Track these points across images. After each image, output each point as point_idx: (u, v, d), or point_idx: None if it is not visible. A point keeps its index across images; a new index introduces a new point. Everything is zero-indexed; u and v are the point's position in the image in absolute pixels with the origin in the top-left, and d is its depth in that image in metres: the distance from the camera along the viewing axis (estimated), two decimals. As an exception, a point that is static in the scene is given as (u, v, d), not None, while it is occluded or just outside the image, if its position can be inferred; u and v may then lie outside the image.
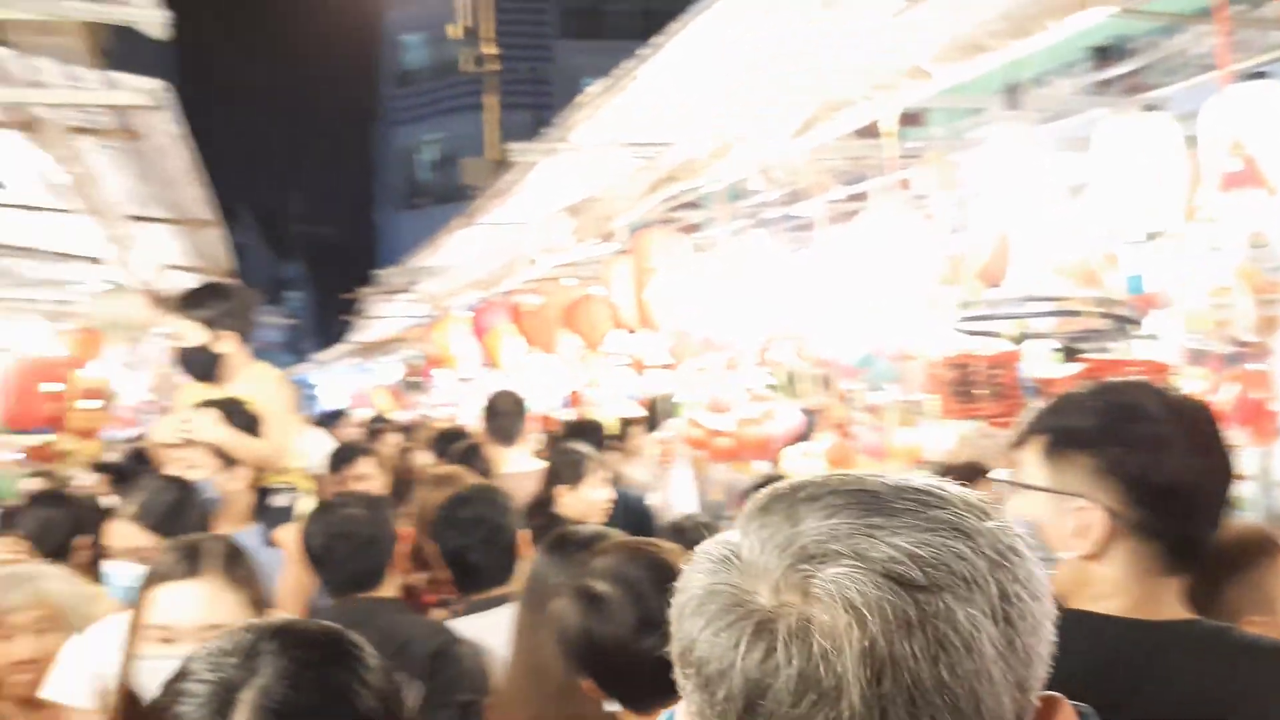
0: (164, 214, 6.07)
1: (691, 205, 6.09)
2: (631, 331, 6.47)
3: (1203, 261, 3.32)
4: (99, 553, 2.90)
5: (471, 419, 7.91)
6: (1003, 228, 3.97)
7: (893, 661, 0.66)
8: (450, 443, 6.11)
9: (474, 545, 2.92)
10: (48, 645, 2.62)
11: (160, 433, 3.45)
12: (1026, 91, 4.24)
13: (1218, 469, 1.48)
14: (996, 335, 3.90)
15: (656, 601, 1.66)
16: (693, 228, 6.49)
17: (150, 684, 1.83)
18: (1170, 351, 3.52)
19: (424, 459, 6.24)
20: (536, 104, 30.02)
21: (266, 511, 3.49)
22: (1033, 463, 1.49)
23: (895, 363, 4.93)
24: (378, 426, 8.97)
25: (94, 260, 6.66)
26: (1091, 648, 1.36)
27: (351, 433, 9.10)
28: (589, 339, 7.17)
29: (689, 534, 3.01)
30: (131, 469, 5.50)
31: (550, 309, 7.61)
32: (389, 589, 2.87)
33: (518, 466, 4.96)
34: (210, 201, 5.86)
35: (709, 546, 0.76)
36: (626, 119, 4.58)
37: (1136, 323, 3.72)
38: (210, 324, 3.61)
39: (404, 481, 5.69)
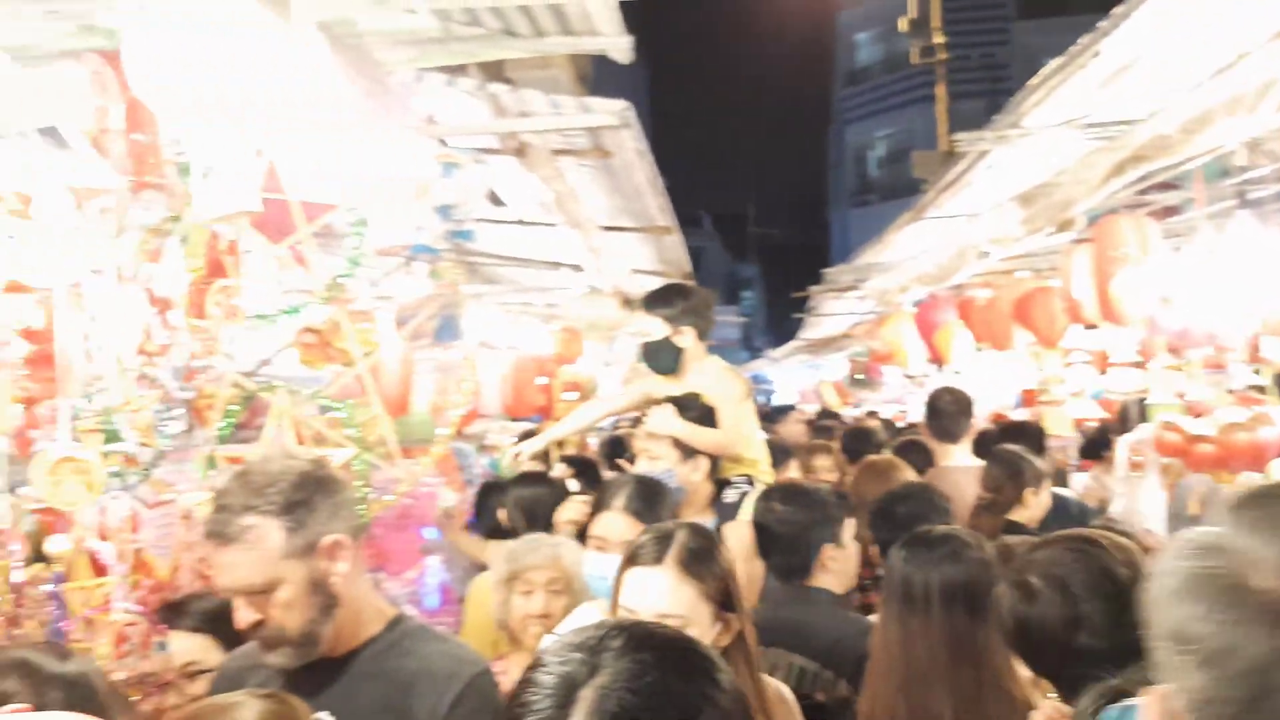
0: (631, 223, 6.64)
1: (1164, 187, 5.53)
2: (1093, 326, 6.01)
3: None
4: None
5: (919, 415, 7.78)
6: None
7: None
8: (861, 443, 6.13)
9: None
10: (559, 605, 3.01)
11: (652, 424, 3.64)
12: None
13: None
14: None
15: (1086, 595, 1.85)
16: (1166, 211, 5.89)
17: None
18: None
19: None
20: (992, 90, 28.75)
21: (721, 507, 3.65)
22: None
23: None
24: (824, 422, 9.11)
25: (576, 268, 7.45)
26: None
27: (796, 429, 9.32)
28: (1044, 334, 6.77)
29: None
30: (582, 462, 6.03)
31: (1002, 303, 7.29)
32: (823, 580, 2.94)
33: (958, 462, 4.83)
34: (669, 209, 6.31)
35: (1190, 536, 0.85)
36: (1085, 98, 4.27)
37: None
38: (672, 320, 3.82)
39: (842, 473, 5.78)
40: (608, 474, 5.12)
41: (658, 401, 3.71)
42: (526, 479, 4.50)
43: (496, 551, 3.87)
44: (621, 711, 0.99)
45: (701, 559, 2.11)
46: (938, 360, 8.63)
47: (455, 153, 4.29)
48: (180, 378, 2.77)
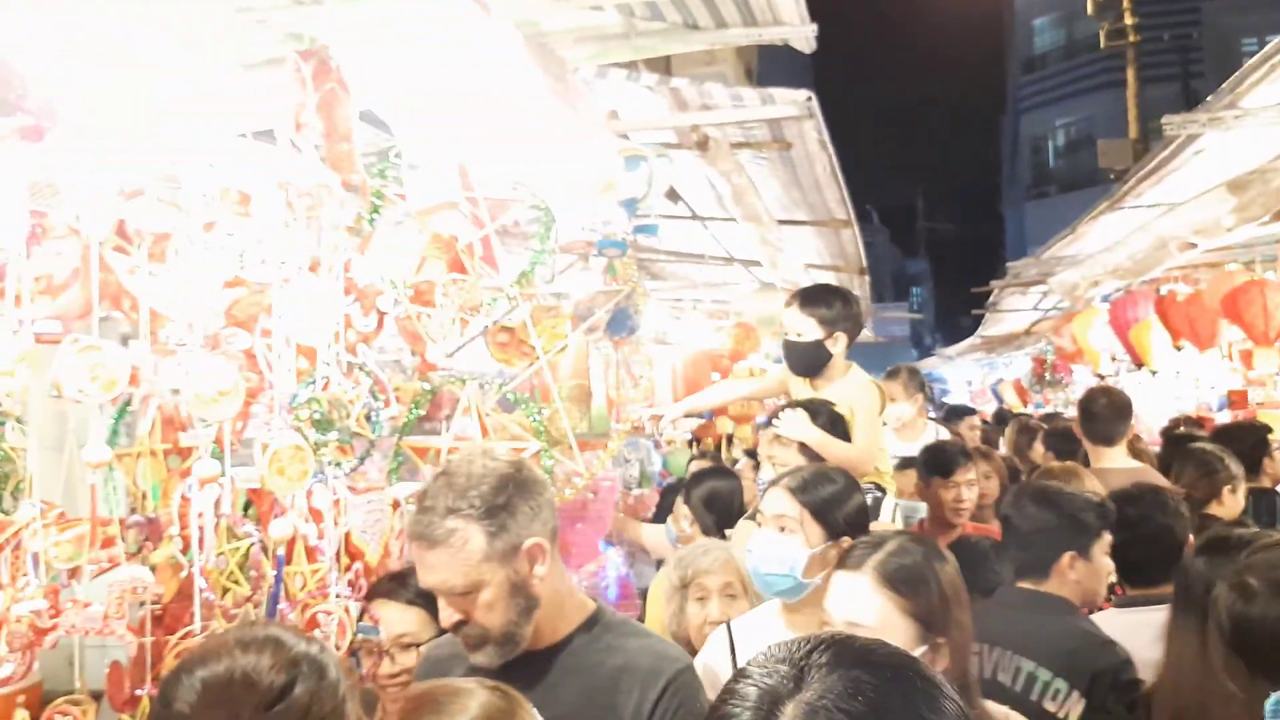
0: (807, 217, 6.53)
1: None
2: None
3: None
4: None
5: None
6: None
7: None
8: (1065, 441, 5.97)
9: (1134, 542, 2.99)
10: (736, 611, 2.88)
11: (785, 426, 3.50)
12: None
13: None
14: None
15: None
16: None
17: None
18: None
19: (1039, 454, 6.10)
20: (1184, 74, 27.13)
21: None
22: None
23: None
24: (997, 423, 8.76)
25: (750, 263, 7.39)
26: None
27: (972, 435, 8.98)
28: (1256, 331, 6.30)
29: None
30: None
31: (1207, 298, 6.82)
32: (1061, 588, 2.82)
33: (1114, 464, 4.67)
34: (848, 202, 6.17)
35: None
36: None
37: None
38: (828, 324, 3.66)
39: (1017, 475, 5.59)
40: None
41: (792, 404, 3.57)
42: (706, 475, 4.47)
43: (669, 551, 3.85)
44: None
45: (908, 571, 1.98)
46: (1132, 359, 8.16)
47: (640, 146, 4.29)
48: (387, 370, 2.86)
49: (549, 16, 3.55)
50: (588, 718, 1.91)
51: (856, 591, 1.98)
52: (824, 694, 0.95)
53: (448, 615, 1.88)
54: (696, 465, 5.85)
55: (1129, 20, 18.44)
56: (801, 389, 3.75)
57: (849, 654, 1.00)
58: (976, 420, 10.38)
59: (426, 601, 2.28)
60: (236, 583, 2.15)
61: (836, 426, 3.46)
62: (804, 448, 3.40)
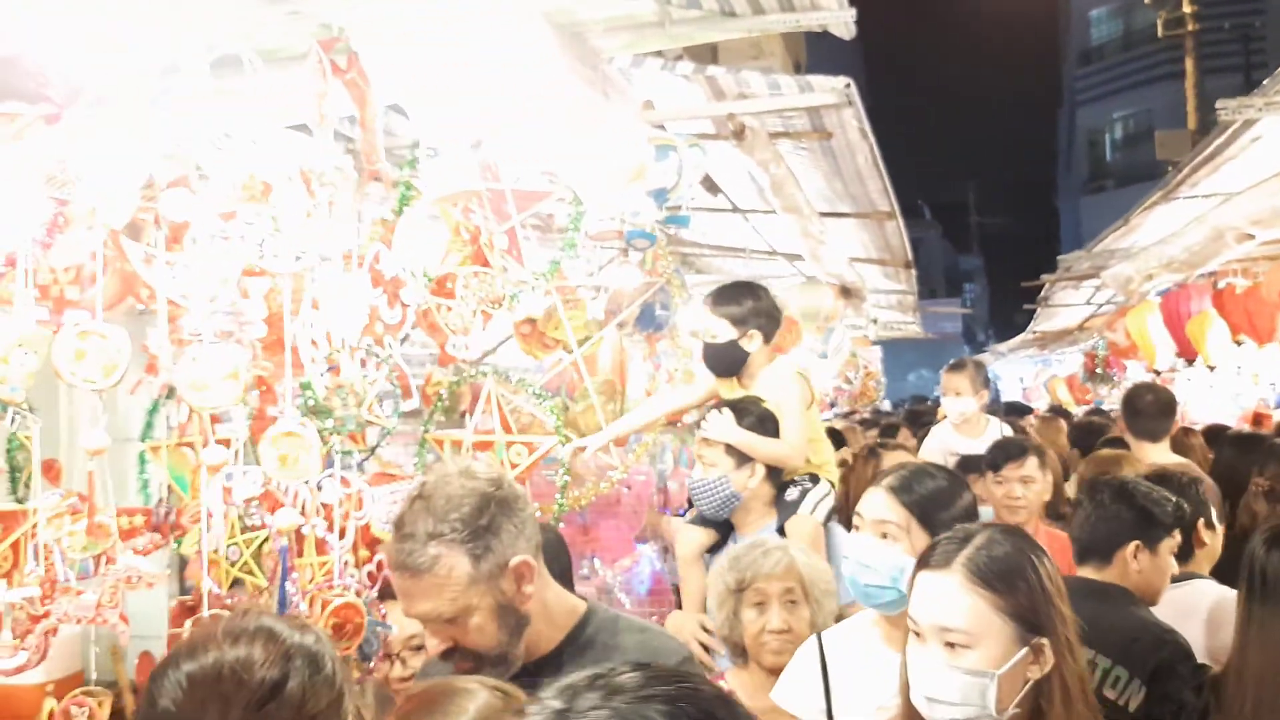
0: (849, 209, 6.42)
1: None
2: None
3: None
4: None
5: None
6: None
7: None
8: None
9: None
10: (799, 619, 2.74)
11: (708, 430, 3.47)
12: None
13: None
14: None
15: None
16: None
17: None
18: None
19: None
20: (1246, 64, 26.45)
21: (781, 505, 3.48)
22: None
23: None
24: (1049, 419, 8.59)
25: (793, 256, 7.29)
26: None
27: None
28: (1318, 325, 6.09)
29: None
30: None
31: (1266, 291, 6.61)
32: (1124, 578, 2.80)
33: (1158, 460, 4.63)
34: (891, 194, 6.06)
35: None
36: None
37: None
38: (739, 322, 3.60)
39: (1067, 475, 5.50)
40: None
41: (719, 405, 3.52)
42: None
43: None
44: None
45: (1003, 566, 1.79)
46: (1188, 354, 7.95)
47: (669, 135, 4.22)
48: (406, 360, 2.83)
49: (583, 5, 3.50)
50: None
51: (945, 592, 1.79)
52: None
53: (435, 644, 1.82)
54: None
55: (1187, 8, 17.99)
56: (730, 390, 3.69)
57: (617, 686, 0.91)
58: (1033, 418, 10.20)
59: None
60: (251, 573, 2.13)
61: (766, 424, 3.43)
62: (730, 448, 3.38)
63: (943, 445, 5.09)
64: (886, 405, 17.67)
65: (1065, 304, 12.09)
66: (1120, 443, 5.40)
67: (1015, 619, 1.75)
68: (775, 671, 2.63)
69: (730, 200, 5.89)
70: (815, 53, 17.05)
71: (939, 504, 2.38)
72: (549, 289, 3.77)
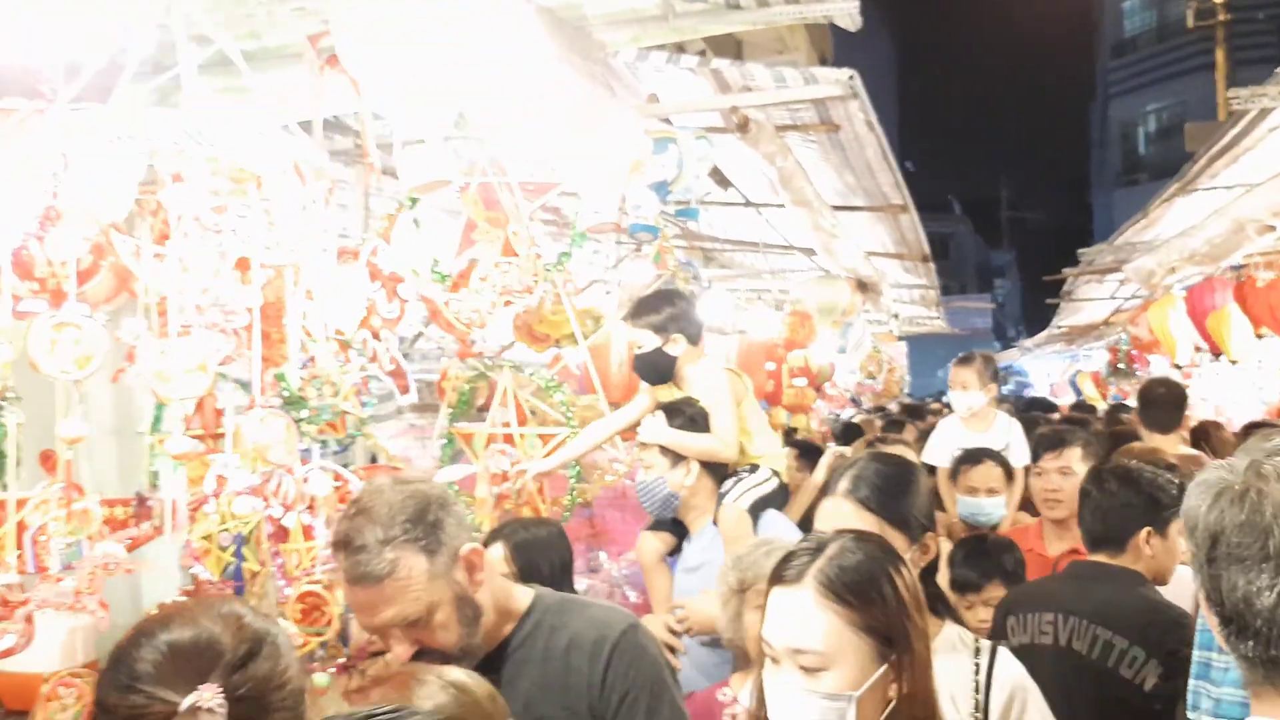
0: (863, 202, 6.40)
1: None
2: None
3: None
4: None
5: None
6: None
7: None
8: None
9: None
10: None
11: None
12: None
13: None
14: None
15: None
16: None
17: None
18: None
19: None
20: (1279, 55, 26.03)
21: (719, 498, 3.51)
22: None
23: None
24: (1079, 415, 8.50)
25: (808, 250, 7.26)
26: None
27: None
28: (1343, 319, 5.99)
29: None
30: (811, 447, 5.89)
31: (1290, 284, 6.52)
32: (1136, 563, 2.84)
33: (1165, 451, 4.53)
34: (903, 186, 6.02)
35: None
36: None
37: None
38: (659, 329, 3.68)
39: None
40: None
41: (654, 409, 3.61)
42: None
43: None
44: None
45: (855, 577, 1.64)
46: (1211, 349, 7.84)
47: (669, 128, 4.23)
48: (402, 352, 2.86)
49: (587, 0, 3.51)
50: (546, 703, 1.93)
51: (797, 609, 1.63)
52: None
53: (401, 650, 1.84)
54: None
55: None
56: (669, 396, 3.76)
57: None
58: (1055, 415, 10.06)
59: None
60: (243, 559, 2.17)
61: (698, 423, 3.51)
62: (665, 449, 3.46)
63: (950, 439, 5.07)
64: (910, 401, 17.56)
65: (1089, 298, 11.97)
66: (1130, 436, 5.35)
67: (871, 634, 1.62)
68: None
69: (742, 194, 5.88)
70: (843, 44, 16.88)
71: (900, 497, 2.22)
72: (554, 282, 3.81)
